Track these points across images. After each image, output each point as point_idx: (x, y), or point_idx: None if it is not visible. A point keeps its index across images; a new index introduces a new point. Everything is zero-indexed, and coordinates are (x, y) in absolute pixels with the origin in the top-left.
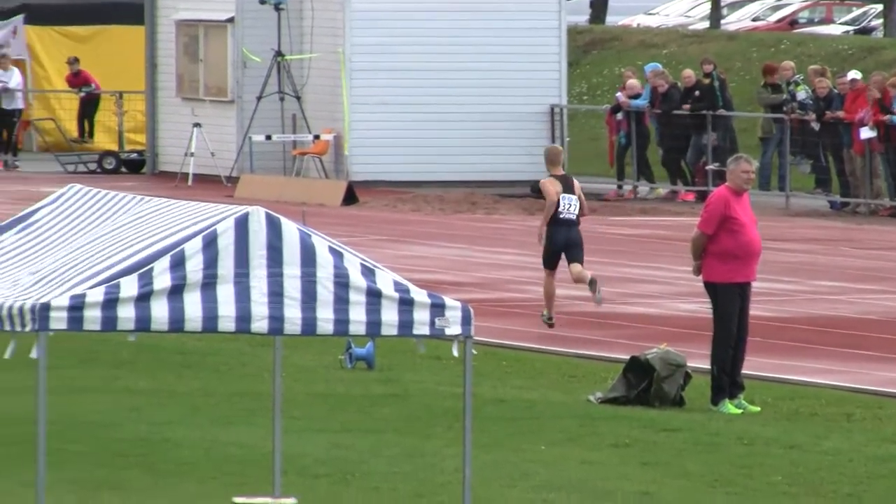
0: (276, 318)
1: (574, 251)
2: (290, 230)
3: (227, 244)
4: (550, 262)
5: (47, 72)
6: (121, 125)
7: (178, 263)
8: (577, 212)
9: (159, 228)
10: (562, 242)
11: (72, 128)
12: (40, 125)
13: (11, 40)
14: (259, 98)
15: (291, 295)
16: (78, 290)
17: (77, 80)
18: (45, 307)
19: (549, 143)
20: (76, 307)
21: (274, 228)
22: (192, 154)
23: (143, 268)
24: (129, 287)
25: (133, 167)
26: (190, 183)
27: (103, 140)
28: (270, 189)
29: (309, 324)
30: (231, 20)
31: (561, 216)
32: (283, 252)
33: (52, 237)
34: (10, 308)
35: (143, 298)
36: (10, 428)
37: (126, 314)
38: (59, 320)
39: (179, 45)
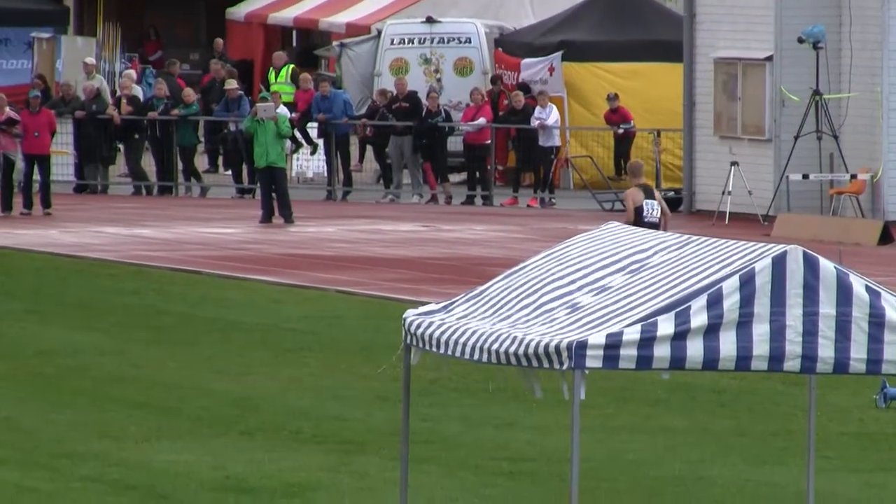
0: (809, 358)
1: None
2: (827, 269)
3: (763, 283)
4: None
5: (585, 109)
6: (658, 163)
7: (716, 302)
8: (658, 215)
9: (696, 267)
10: None
11: (609, 165)
12: (577, 162)
13: (548, 77)
14: (796, 137)
15: (826, 334)
16: (615, 329)
17: (615, 116)
18: (582, 345)
19: None
20: (613, 346)
21: (811, 267)
22: (729, 193)
23: (679, 306)
24: (666, 326)
25: (670, 205)
26: (727, 221)
27: None
28: (807, 228)
29: (841, 363)
30: (769, 59)
31: (646, 219)
32: (820, 291)
33: (587, 264)
34: (547, 346)
35: (679, 337)
36: (546, 465)
37: (661, 353)
38: (594, 358)
39: (718, 83)
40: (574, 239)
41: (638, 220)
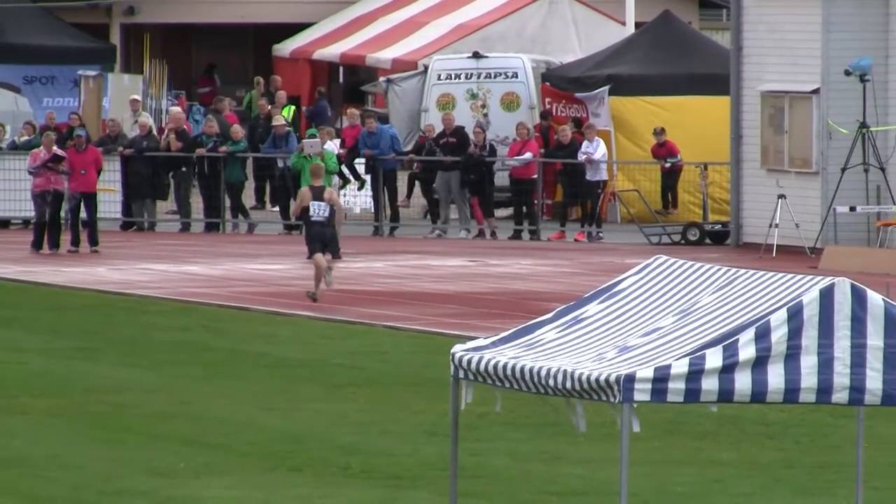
0: (857, 390)
1: (331, 247)
2: (875, 301)
3: (811, 315)
4: (311, 251)
5: (632, 142)
6: (705, 196)
7: (764, 335)
8: (326, 214)
9: (744, 300)
10: (316, 236)
11: (656, 199)
12: (624, 196)
13: (600, 111)
14: (843, 169)
15: (873, 366)
16: (663, 362)
17: (662, 150)
18: (630, 378)
19: None
20: (661, 379)
21: (858, 300)
22: (776, 225)
23: (727, 339)
24: (714, 359)
25: (717, 238)
26: (774, 254)
27: (687, 211)
28: (854, 260)
29: (889, 395)
30: (816, 91)
31: (312, 218)
32: (867, 323)
33: (637, 308)
34: (597, 380)
35: (727, 370)
36: (595, 499)
37: (709, 386)
38: (643, 392)
39: (765, 116)
40: (625, 280)
41: (305, 217)
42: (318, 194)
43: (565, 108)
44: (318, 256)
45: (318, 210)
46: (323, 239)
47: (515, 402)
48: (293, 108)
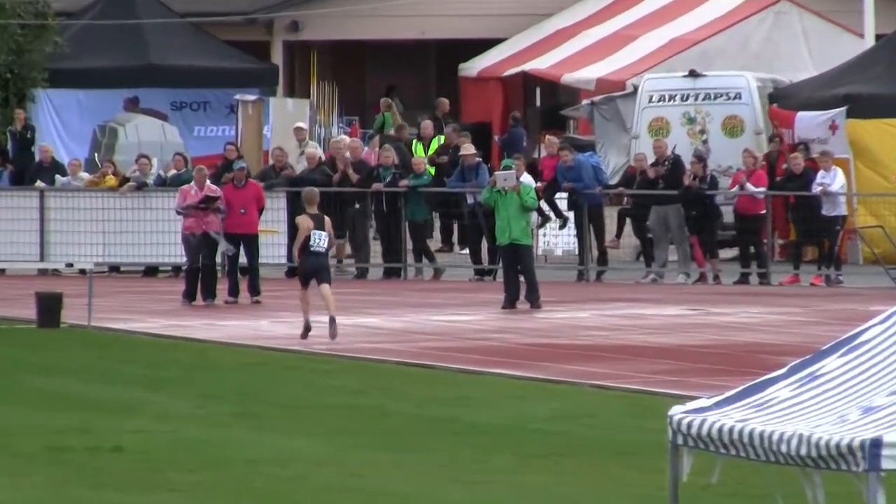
0: None
1: (322, 274)
2: None
3: None
4: (304, 282)
5: (874, 172)
6: None
7: None
8: (325, 244)
9: None
10: (311, 267)
11: None
12: (866, 233)
13: (830, 136)
14: None
15: None
16: None
17: None
18: (877, 443)
19: None
20: None
21: None
22: None
23: None
24: None
25: None
26: None
27: None
28: None
29: None
30: None
31: (312, 248)
32: None
33: (882, 363)
34: (838, 445)
35: None
36: None
37: None
38: (892, 458)
39: None
40: (868, 330)
41: (304, 246)
42: (318, 223)
43: (789, 135)
44: (306, 293)
45: (318, 240)
46: (318, 268)
47: (744, 471)
48: (443, 138)
